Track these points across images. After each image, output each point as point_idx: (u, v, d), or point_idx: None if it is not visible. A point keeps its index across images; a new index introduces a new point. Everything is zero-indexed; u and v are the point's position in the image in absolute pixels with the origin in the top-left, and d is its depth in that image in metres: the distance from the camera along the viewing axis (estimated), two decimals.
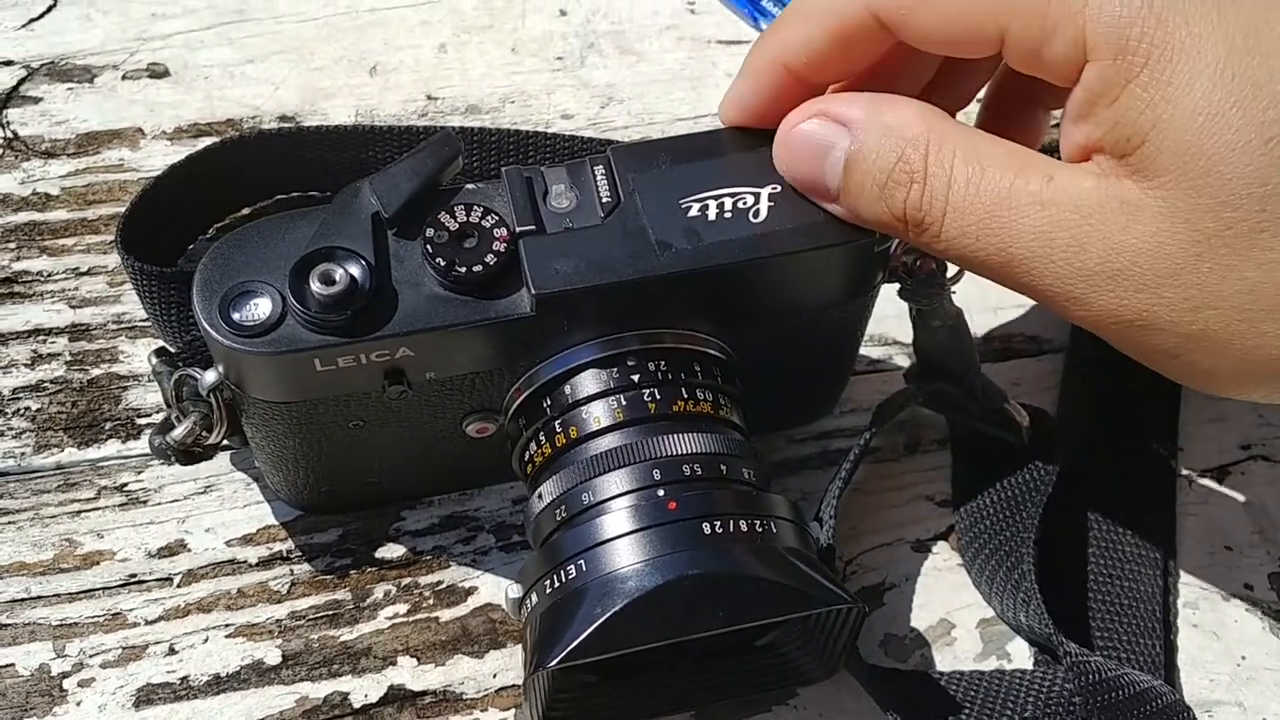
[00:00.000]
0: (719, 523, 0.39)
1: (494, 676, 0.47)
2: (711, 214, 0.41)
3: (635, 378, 0.42)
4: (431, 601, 0.48)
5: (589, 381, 0.42)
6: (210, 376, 0.42)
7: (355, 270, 0.39)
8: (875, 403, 0.50)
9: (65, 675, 0.46)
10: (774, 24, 0.43)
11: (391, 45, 0.62)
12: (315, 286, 0.39)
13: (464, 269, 0.40)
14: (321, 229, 0.40)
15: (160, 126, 0.59)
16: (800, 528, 0.41)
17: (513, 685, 0.47)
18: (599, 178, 0.42)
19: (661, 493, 0.40)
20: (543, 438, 0.43)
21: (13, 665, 0.46)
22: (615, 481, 0.41)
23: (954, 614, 0.49)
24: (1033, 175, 0.38)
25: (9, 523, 0.48)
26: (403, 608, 0.48)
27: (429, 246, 0.40)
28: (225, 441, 0.46)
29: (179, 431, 0.43)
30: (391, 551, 0.49)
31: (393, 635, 0.47)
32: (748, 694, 0.46)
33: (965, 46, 0.40)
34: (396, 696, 0.46)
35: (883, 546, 0.51)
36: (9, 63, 0.60)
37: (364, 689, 0.46)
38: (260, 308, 0.40)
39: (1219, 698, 0.48)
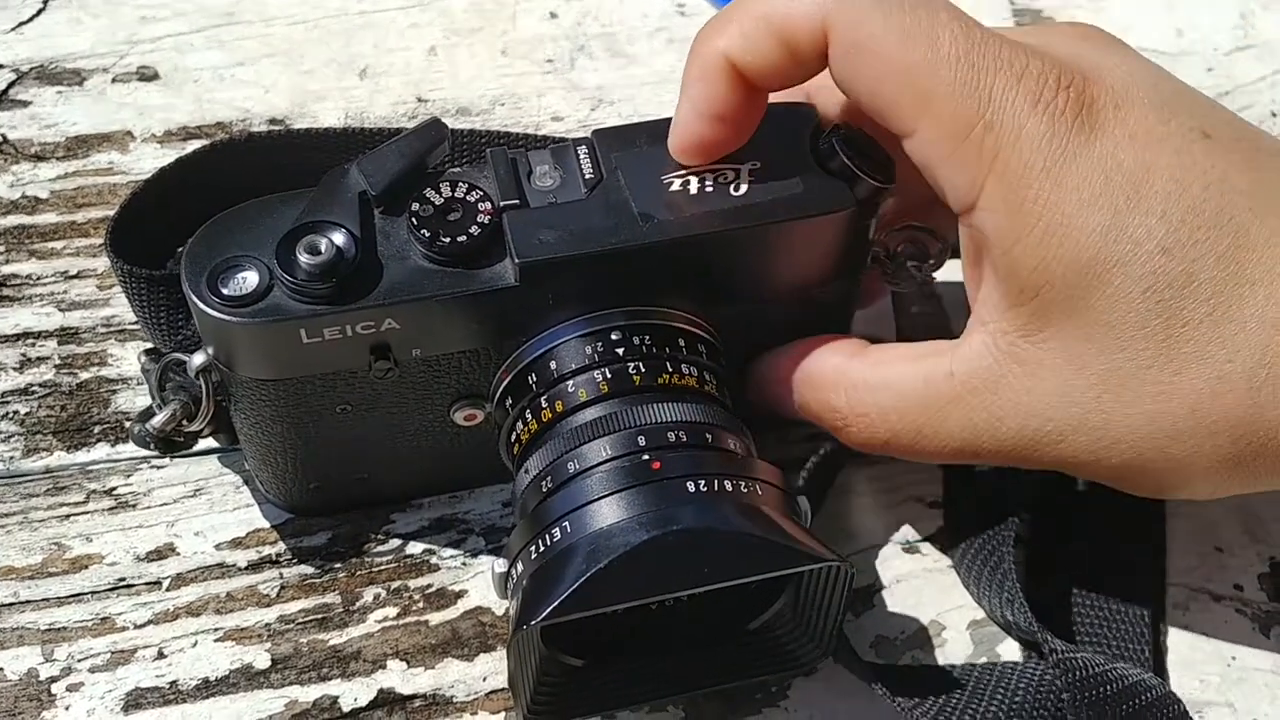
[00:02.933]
0: (704, 482, 0.39)
1: (484, 680, 0.47)
2: (693, 188, 0.42)
3: (620, 351, 0.42)
4: (421, 605, 0.48)
5: (573, 356, 0.42)
6: (199, 359, 0.42)
7: (340, 240, 0.40)
8: None
9: (54, 680, 0.46)
10: (719, 15, 0.43)
11: (381, 48, 0.62)
12: (302, 257, 0.40)
13: (448, 239, 0.40)
14: (309, 207, 0.41)
15: (150, 129, 0.58)
16: (787, 495, 0.41)
17: (503, 688, 0.47)
18: (582, 157, 0.43)
19: (646, 456, 0.40)
20: (529, 415, 0.43)
21: (1, 670, 0.46)
22: (600, 448, 0.41)
23: (945, 615, 0.49)
24: (939, 370, 0.42)
25: None
26: (392, 611, 0.48)
27: (414, 219, 0.41)
28: (212, 439, 0.46)
29: (160, 418, 0.43)
30: (381, 555, 0.49)
31: (382, 639, 0.47)
32: (740, 680, 0.45)
33: (879, 117, 0.41)
34: (386, 700, 0.46)
35: (873, 548, 0.51)
36: None
37: (353, 692, 0.46)
38: (248, 281, 0.40)
39: (1209, 698, 0.48)
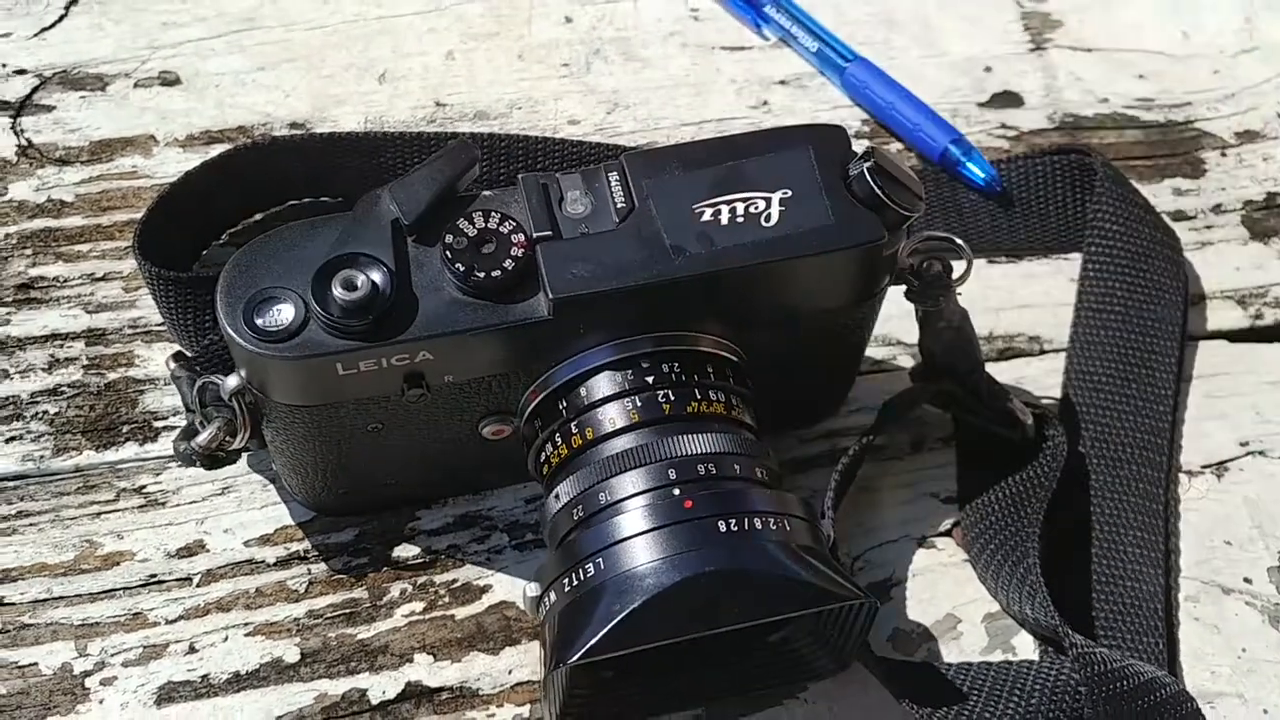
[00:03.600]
0: (734, 521, 0.40)
1: (509, 673, 0.48)
2: (724, 218, 0.42)
3: (650, 379, 0.43)
4: (447, 600, 0.49)
5: (604, 383, 0.43)
6: (232, 381, 0.43)
7: (376, 276, 0.40)
8: (880, 402, 0.51)
9: (87, 674, 0.46)
10: None
11: (400, 53, 0.63)
12: (337, 292, 0.40)
13: (483, 274, 0.41)
14: (342, 236, 0.41)
15: (172, 134, 0.59)
16: (812, 525, 0.42)
17: (528, 681, 0.47)
18: (613, 184, 0.42)
19: (677, 491, 0.41)
20: (559, 439, 0.43)
21: (36, 664, 0.46)
22: (631, 481, 0.42)
23: (960, 609, 0.50)
24: None
25: (30, 524, 0.49)
26: (419, 606, 0.49)
27: (448, 252, 0.41)
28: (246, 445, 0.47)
29: (204, 437, 0.44)
30: (407, 551, 0.50)
31: (409, 633, 0.48)
32: (760, 689, 0.47)
33: None
34: (414, 693, 0.47)
35: (889, 543, 0.51)
36: (22, 71, 0.61)
37: (381, 686, 0.47)
38: (283, 313, 0.40)
39: (1220, 689, 0.49)
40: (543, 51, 0.63)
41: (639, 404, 0.42)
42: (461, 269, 0.41)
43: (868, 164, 0.42)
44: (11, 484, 0.50)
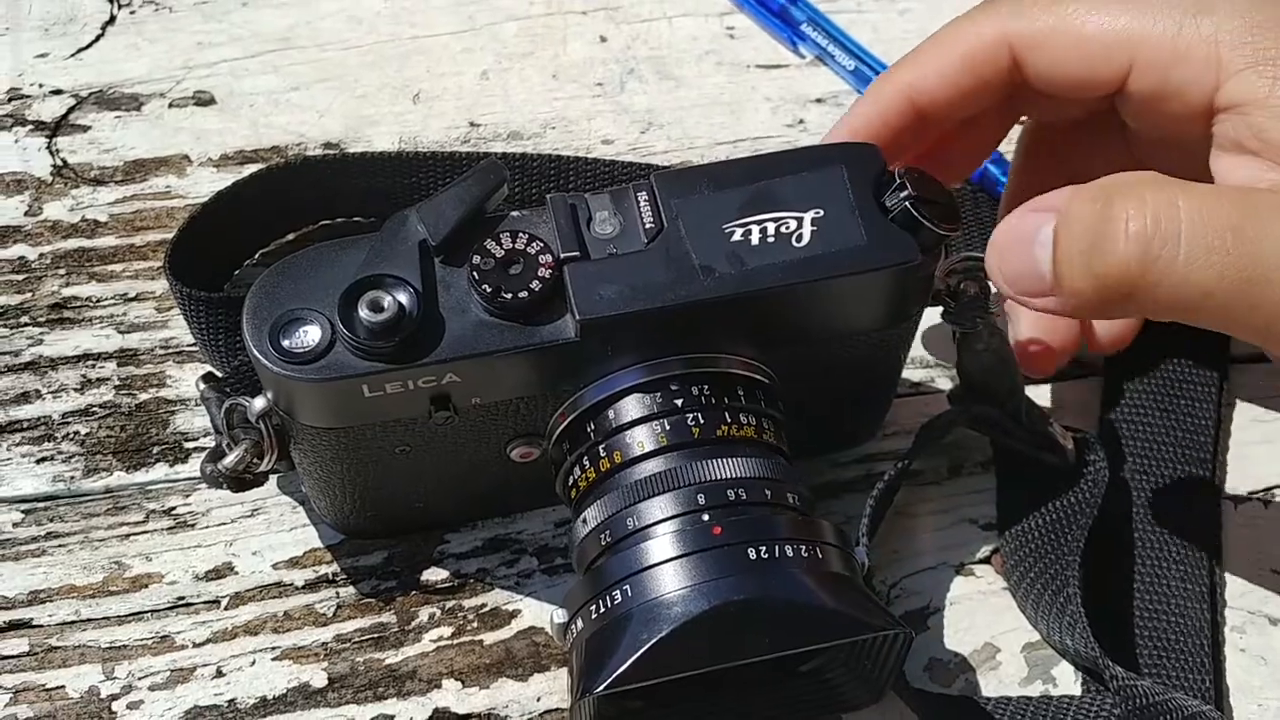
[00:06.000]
0: (764, 548, 0.39)
1: (538, 700, 0.47)
2: (755, 239, 0.41)
3: (679, 402, 0.42)
4: (475, 624, 0.48)
5: (633, 406, 0.42)
6: (259, 403, 0.43)
7: (403, 297, 0.40)
8: (918, 425, 0.50)
9: (114, 697, 0.46)
10: (909, 53, 0.45)
11: (434, 72, 0.62)
12: (364, 314, 0.39)
13: (510, 295, 0.40)
14: (369, 257, 0.41)
15: (206, 154, 0.59)
16: (846, 553, 0.41)
17: (557, 709, 0.47)
18: (642, 204, 0.42)
19: (706, 517, 0.40)
20: (587, 463, 0.43)
21: (63, 687, 0.46)
22: (660, 506, 0.41)
23: (999, 638, 0.49)
24: (1259, 192, 0.37)
25: (59, 545, 0.49)
26: (447, 631, 0.48)
27: (475, 273, 0.40)
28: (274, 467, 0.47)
29: (231, 459, 0.43)
30: (436, 574, 0.49)
31: (437, 658, 0.47)
32: (792, 718, 0.46)
33: (1089, 80, 0.41)
34: (442, 719, 0.46)
35: (926, 570, 0.50)
36: (58, 91, 0.61)
37: (409, 712, 0.46)
38: (310, 335, 0.40)
39: None
40: (576, 71, 0.63)
41: (667, 427, 0.42)
42: (489, 290, 0.40)
43: (902, 181, 0.41)
44: (42, 505, 0.50)
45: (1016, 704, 0.46)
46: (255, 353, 0.40)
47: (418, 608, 0.49)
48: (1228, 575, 0.51)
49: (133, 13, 0.63)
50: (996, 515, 0.52)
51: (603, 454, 0.42)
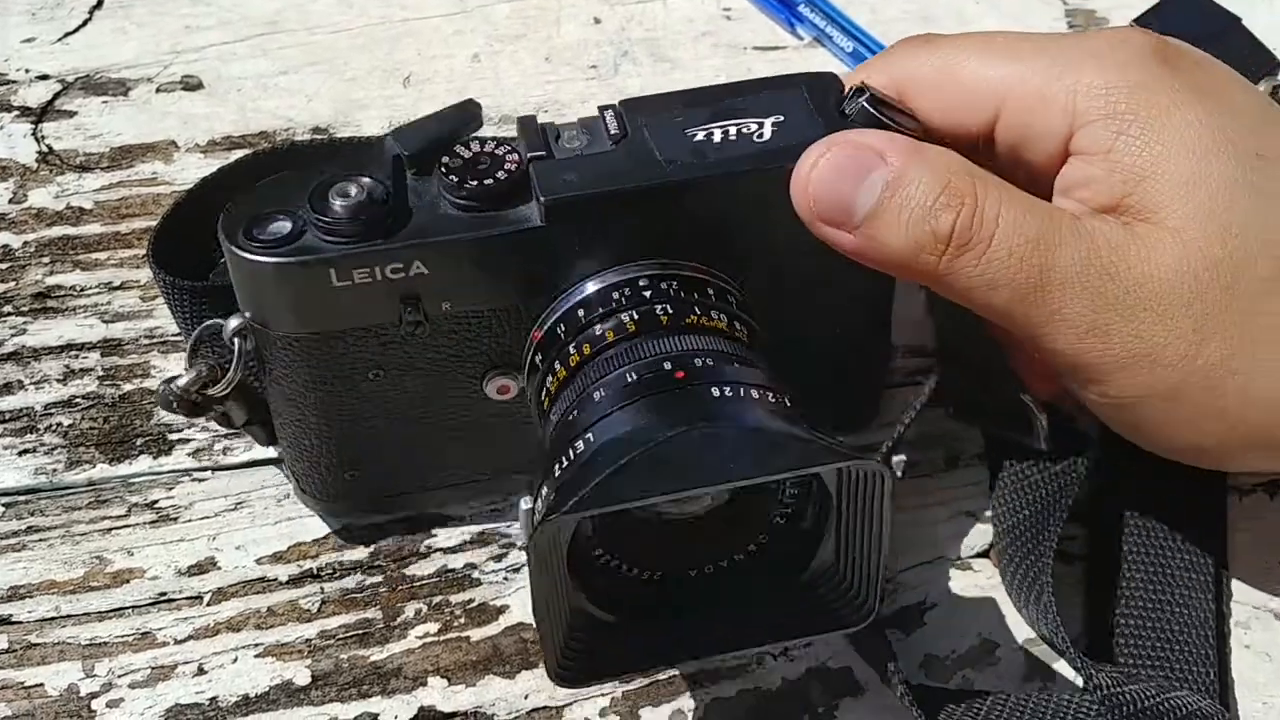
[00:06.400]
0: (729, 389, 0.39)
1: (525, 698, 0.46)
2: (717, 138, 0.42)
3: (647, 294, 0.42)
4: (463, 620, 0.47)
5: (601, 301, 0.42)
6: (234, 321, 0.43)
7: (372, 188, 0.41)
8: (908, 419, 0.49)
9: (94, 695, 0.45)
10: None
11: (425, 55, 0.61)
12: (334, 202, 0.41)
13: (475, 183, 0.41)
14: (342, 166, 0.42)
15: (194, 139, 0.58)
16: (815, 416, 0.40)
17: (545, 707, 0.46)
18: (609, 119, 0.43)
19: (668, 366, 0.40)
20: (558, 365, 0.42)
21: (42, 685, 0.45)
22: (625, 375, 0.40)
23: (997, 634, 0.48)
24: (1063, 213, 0.41)
25: (40, 540, 0.48)
26: (433, 627, 0.47)
27: (443, 169, 0.41)
28: (248, 431, 0.47)
29: (185, 379, 0.44)
30: (422, 569, 0.48)
31: (423, 655, 0.47)
32: (780, 642, 0.44)
33: (962, 123, 0.43)
34: (427, 718, 0.46)
35: (923, 565, 0.49)
36: (45, 77, 0.60)
37: (394, 710, 0.46)
38: (282, 229, 0.41)
39: None
40: (570, 53, 0.62)
41: (636, 317, 0.41)
42: (455, 180, 0.41)
43: (860, 93, 0.42)
44: (23, 498, 0.49)
45: (1014, 700, 0.45)
46: (228, 246, 0.41)
47: (403, 603, 0.48)
48: (1233, 569, 0.50)
49: None
50: (991, 507, 0.50)
51: (572, 351, 0.42)
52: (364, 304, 0.42)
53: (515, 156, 0.42)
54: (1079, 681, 0.47)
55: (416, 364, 0.44)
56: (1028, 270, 0.39)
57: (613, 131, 0.42)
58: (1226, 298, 0.39)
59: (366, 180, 0.41)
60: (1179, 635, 0.48)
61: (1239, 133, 0.40)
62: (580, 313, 0.42)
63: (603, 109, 0.43)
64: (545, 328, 0.43)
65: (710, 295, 0.43)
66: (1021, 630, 0.48)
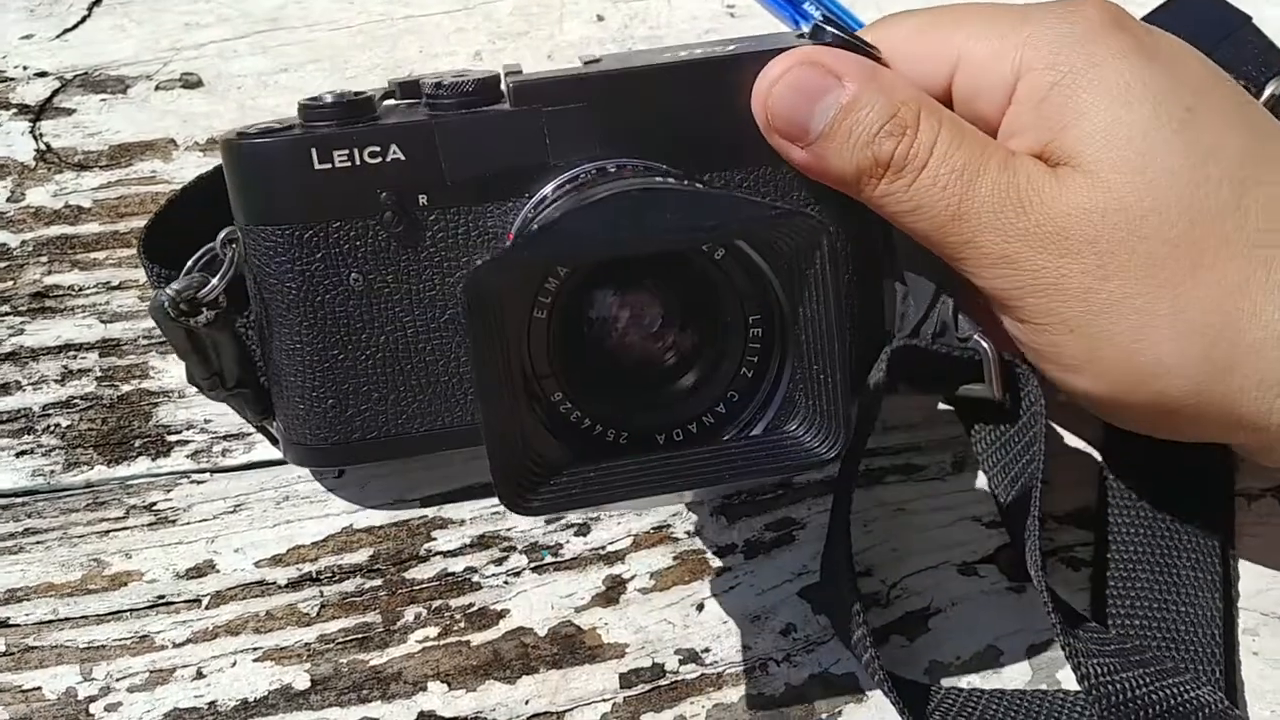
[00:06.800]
0: (673, 178, 0.41)
1: (526, 703, 0.46)
2: (682, 54, 0.45)
3: (612, 171, 0.43)
4: (463, 625, 0.47)
5: (570, 179, 0.44)
6: (224, 231, 0.46)
7: (360, 93, 0.45)
8: (915, 422, 0.49)
9: (92, 699, 0.45)
10: None
11: (427, 53, 0.61)
12: (322, 96, 0.44)
13: (451, 83, 0.44)
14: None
15: (193, 137, 0.58)
16: None
17: (545, 712, 0.45)
18: (585, 59, 0.45)
19: (614, 168, 0.42)
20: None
21: (40, 689, 0.45)
22: (576, 178, 0.43)
23: (1002, 640, 0.48)
24: (998, 148, 0.43)
25: (37, 543, 0.48)
26: (433, 631, 0.47)
27: (424, 81, 0.44)
28: (235, 392, 0.47)
29: (178, 283, 0.46)
30: (422, 572, 0.48)
31: (423, 659, 0.46)
32: (754, 476, 0.43)
33: (931, 82, 0.45)
34: None
35: (928, 570, 0.49)
36: (43, 74, 0.59)
37: (394, 715, 0.45)
38: (272, 127, 0.45)
39: None
40: (573, 51, 0.61)
41: (598, 173, 0.43)
42: (433, 82, 0.44)
43: (826, 26, 0.44)
44: (20, 500, 0.49)
45: (1011, 697, 0.44)
46: (223, 145, 0.44)
47: (403, 607, 0.47)
48: (1240, 575, 0.49)
49: None
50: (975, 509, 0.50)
51: (535, 224, 0.43)
52: (344, 193, 0.44)
53: (494, 73, 0.44)
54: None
55: (395, 268, 0.45)
56: (949, 198, 0.42)
57: (586, 59, 0.45)
58: (1133, 240, 0.41)
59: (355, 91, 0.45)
60: (1186, 632, 0.47)
61: (1170, 86, 0.42)
62: (548, 190, 0.44)
63: (581, 56, 0.46)
64: (517, 227, 0.44)
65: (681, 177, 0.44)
66: (1027, 636, 0.48)
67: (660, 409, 0.41)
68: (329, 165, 0.43)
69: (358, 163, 0.44)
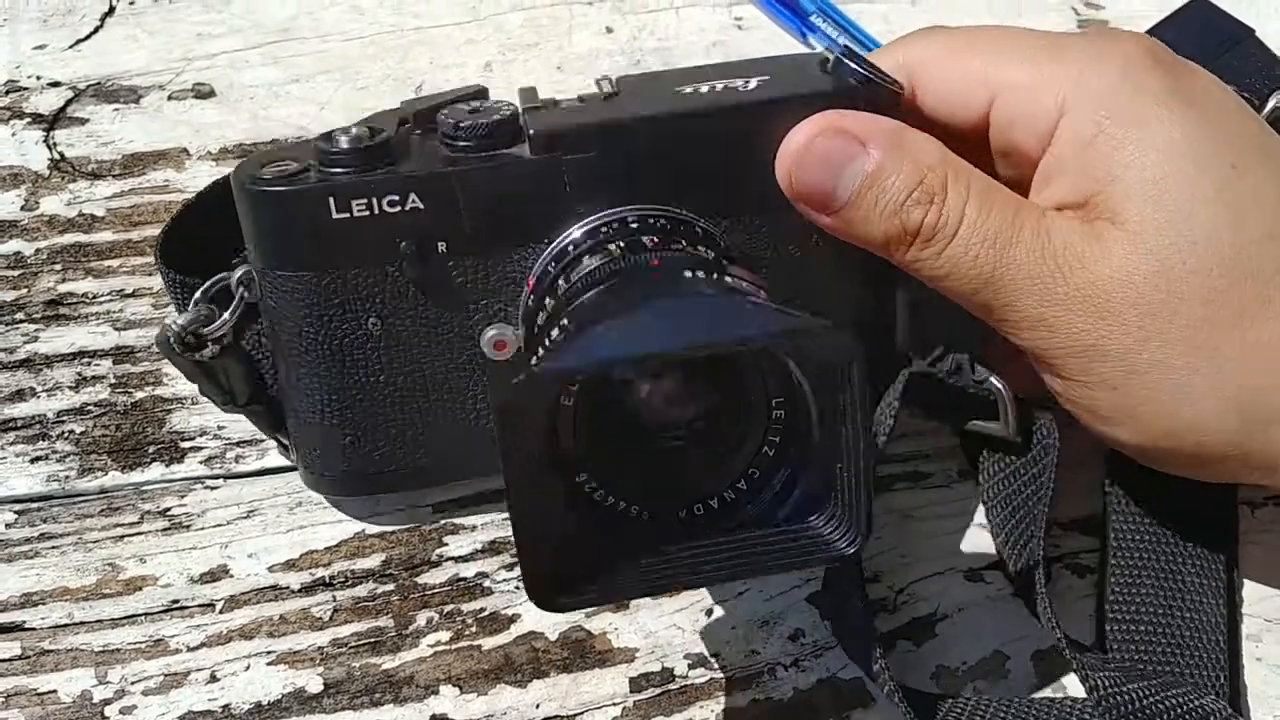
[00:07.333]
0: (703, 272, 0.40)
1: (537, 707, 0.46)
2: (704, 89, 0.44)
3: (635, 227, 0.43)
4: (474, 629, 0.47)
5: (590, 236, 0.43)
6: (239, 270, 0.45)
7: (375, 130, 0.43)
8: (922, 429, 0.49)
9: (107, 702, 0.45)
10: None
11: (437, 64, 0.61)
12: (338, 138, 0.43)
13: (469, 123, 0.43)
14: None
15: (205, 147, 0.58)
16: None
17: (556, 715, 0.46)
18: (603, 86, 0.45)
19: (647, 259, 0.41)
20: (548, 300, 0.43)
21: (55, 692, 0.45)
22: (608, 267, 0.42)
23: (1008, 645, 0.48)
24: (1031, 209, 0.42)
25: (52, 547, 0.48)
26: (445, 635, 0.47)
27: (440, 116, 0.43)
28: (247, 408, 0.47)
29: (185, 316, 0.45)
30: (434, 578, 0.48)
31: (435, 664, 0.47)
32: (773, 570, 0.43)
33: (963, 105, 0.45)
34: None
35: (934, 575, 0.49)
36: (56, 84, 0.60)
37: (406, 718, 0.46)
38: (287, 167, 0.43)
39: None
40: (582, 63, 0.62)
41: (623, 245, 0.42)
42: (451, 122, 0.43)
43: (844, 53, 0.44)
44: (36, 506, 0.49)
45: (1018, 705, 0.45)
46: (235, 184, 0.43)
47: (415, 611, 0.48)
48: (1244, 582, 0.50)
49: (132, 4, 0.62)
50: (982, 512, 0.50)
51: (561, 284, 0.43)
52: (362, 241, 0.43)
53: (511, 108, 0.44)
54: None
55: (413, 313, 0.45)
56: (981, 266, 0.42)
57: (605, 92, 0.44)
58: (1174, 302, 0.41)
59: (369, 127, 0.43)
60: (1190, 640, 0.48)
61: (1216, 143, 0.42)
62: (569, 248, 0.43)
63: (599, 80, 0.45)
64: (538, 273, 0.44)
65: (698, 233, 0.44)
66: (1033, 642, 0.48)
67: (681, 484, 0.41)
68: (347, 214, 0.43)
69: (376, 212, 0.43)
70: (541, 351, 0.40)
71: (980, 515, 0.51)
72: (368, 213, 0.43)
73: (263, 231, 0.44)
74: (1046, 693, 0.47)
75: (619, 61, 0.62)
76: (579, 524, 0.40)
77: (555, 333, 0.40)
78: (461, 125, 0.43)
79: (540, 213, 0.44)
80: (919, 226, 0.42)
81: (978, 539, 0.50)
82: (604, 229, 0.43)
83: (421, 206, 0.43)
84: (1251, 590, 0.49)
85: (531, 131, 0.42)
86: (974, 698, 0.45)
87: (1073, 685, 0.47)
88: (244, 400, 0.47)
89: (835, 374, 0.38)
